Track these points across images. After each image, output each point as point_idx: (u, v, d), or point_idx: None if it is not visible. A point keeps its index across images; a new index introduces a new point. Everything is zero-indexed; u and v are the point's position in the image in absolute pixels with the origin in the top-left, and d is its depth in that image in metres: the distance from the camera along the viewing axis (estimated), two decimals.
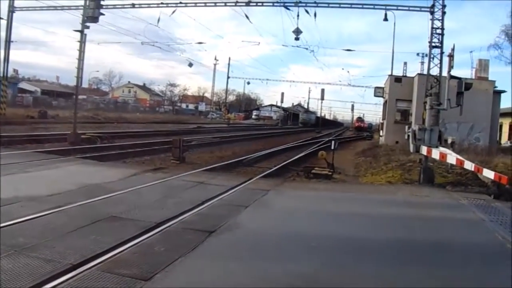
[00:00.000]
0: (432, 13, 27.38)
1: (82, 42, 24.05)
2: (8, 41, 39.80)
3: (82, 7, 26.26)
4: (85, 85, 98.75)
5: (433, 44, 27.29)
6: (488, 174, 13.05)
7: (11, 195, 9.22)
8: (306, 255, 7.03)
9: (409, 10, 30.62)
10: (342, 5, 32.16)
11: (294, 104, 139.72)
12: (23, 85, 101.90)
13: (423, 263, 6.95)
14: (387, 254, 7.42)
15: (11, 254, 5.88)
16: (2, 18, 39.86)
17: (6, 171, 12.51)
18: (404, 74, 50.09)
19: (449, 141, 18.08)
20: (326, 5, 32.39)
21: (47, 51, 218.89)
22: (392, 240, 8.26)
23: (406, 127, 18.28)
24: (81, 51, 23.92)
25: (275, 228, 8.80)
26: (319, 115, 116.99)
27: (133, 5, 34.16)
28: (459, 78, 17.36)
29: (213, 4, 34.44)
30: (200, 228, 7.89)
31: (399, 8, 31.01)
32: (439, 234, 9.00)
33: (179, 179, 13.48)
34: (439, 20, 27.20)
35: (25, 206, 8.46)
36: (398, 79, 38.94)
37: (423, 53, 50.25)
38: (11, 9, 39.33)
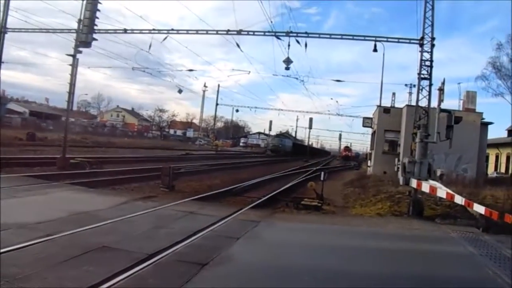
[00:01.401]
0: (421, 45, 27.54)
1: (74, 66, 24.06)
2: None
3: (75, 31, 26.31)
4: (73, 107, 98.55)
5: (422, 76, 27.40)
6: (479, 209, 13.08)
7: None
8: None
9: (398, 42, 30.77)
10: (332, 36, 32.41)
11: (282, 132, 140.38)
12: (11, 105, 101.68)
13: None
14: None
15: (2, 284, 5.81)
16: None
17: None
18: (393, 105, 50.35)
19: (438, 173, 18.15)
20: (317, 35, 32.64)
21: (36, 72, 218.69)
22: (384, 274, 8.25)
23: (396, 159, 18.40)
24: (73, 75, 23.96)
25: (267, 261, 8.75)
26: (297, 140, 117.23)
27: (125, 30, 34.20)
28: (449, 112, 17.52)
29: (204, 32, 34.54)
30: (192, 260, 7.85)
31: (389, 40, 31.27)
32: (430, 268, 9.01)
33: (169, 209, 13.41)
34: (428, 52, 27.41)
35: (15, 234, 8.37)
36: (386, 110, 39.15)
37: (411, 84, 50.60)
38: (3, 30, 39.34)
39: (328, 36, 32.29)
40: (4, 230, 8.52)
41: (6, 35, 34.94)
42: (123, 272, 6.76)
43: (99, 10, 24.96)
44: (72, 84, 24.03)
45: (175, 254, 8.27)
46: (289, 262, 8.78)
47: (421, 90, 27.67)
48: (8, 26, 35.32)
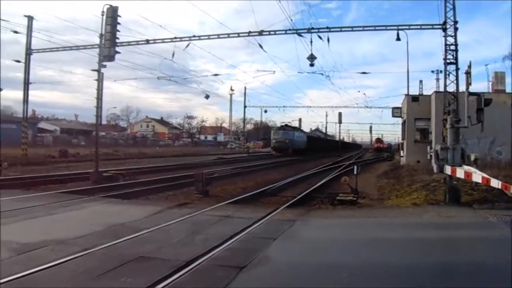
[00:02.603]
0: (444, 30, 27.30)
1: (100, 80, 24.27)
2: (26, 83, 40.31)
3: (97, 46, 26.60)
4: (103, 121, 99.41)
5: (448, 61, 27.17)
6: None
7: (39, 239, 9.23)
8: (338, 286, 6.92)
9: (421, 28, 30.59)
10: (354, 29, 32.26)
11: (312, 129, 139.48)
12: (42, 124, 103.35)
13: None
14: (422, 279, 7.26)
15: None
16: (20, 61, 40.47)
17: (32, 214, 12.59)
18: (421, 93, 49.86)
19: (472, 158, 17.90)
20: (339, 29, 32.53)
21: (64, 90, 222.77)
22: (423, 264, 8.09)
23: (428, 147, 18.13)
24: (99, 89, 24.15)
25: (305, 259, 8.67)
26: (313, 134, 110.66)
27: (147, 41, 34.54)
28: (478, 94, 17.23)
29: (226, 36, 34.75)
30: (230, 264, 7.80)
31: (411, 27, 30.99)
32: (472, 255, 8.82)
33: (204, 214, 13.41)
34: (452, 36, 27.12)
35: (54, 250, 8.43)
36: (415, 98, 38.75)
37: (438, 70, 50.16)
38: (28, 52, 39.88)
39: (349, 29, 32.23)
40: (43, 247, 8.61)
41: (31, 56, 35.50)
42: (162, 281, 6.72)
43: (119, 23, 25.23)
44: (99, 98, 24.24)
45: (213, 259, 8.22)
46: (326, 258, 8.69)
47: (448, 75, 27.41)
48: (32, 47, 35.91)
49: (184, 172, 28.07)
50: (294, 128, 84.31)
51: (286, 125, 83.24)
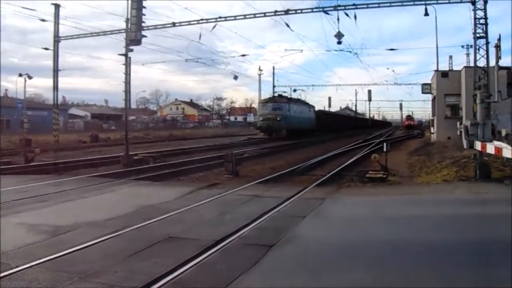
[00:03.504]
0: (473, 3, 26.83)
1: (127, 65, 24.40)
2: (56, 70, 40.70)
3: (124, 31, 26.73)
4: (133, 105, 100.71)
5: (478, 35, 26.71)
6: None
7: (70, 221, 9.41)
8: (368, 263, 6.89)
9: (449, 3, 30.14)
10: (381, 5, 31.87)
11: (342, 107, 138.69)
12: (73, 110, 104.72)
13: (495, 265, 6.68)
14: (454, 256, 7.19)
15: (75, 281, 5.94)
16: (48, 49, 40.86)
17: (64, 197, 12.80)
18: (451, 68, 49.20)
19: (503, 133, 17.66)
20: (365, 6, 32.19)
21: (93, 76, 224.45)
22: (456, 241, 8.00)
23: (458, 123, 17.96)
24: (127, 73, 24.28)
25: (334, 237, 8.66)
26: (323, 109, 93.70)
27: (173, 24, 34.53)
28: (508, 68, 16.96)
29: (252, 16, 34.57)
30: (259, 243, 7.84)
31: (439, 1, 30.51)
32: (504, 232, 8.64)
33: (234, 194, 13.48)
34: (481, 10, 26.65)
35: (85, 232, 8.55)
36: (445, 74, 38.21)
37: (468, 45, 49.32)
38: (56, 39, 40.20)
39: (376, 5, 31.81)
40: (74, 230, 8.78)
41: (60, 43, 35.82)
42: (191, 260, 6.78)
43: (144, 7, 25.28)
44: (128, 82, 24.39)
45: (242, 238, 8.26)
46: (356, 236, 8.66)
47: (478, 49, 26.95)
48: (60, 34, 36.20)
49: (214, 153, 28.13)
50: (290, 100, 62.42)
51: (279, 95, 63.14)
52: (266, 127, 57.34)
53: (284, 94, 64.87)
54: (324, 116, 79.71)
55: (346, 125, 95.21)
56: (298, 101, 67.95)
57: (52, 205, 11.76)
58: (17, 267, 6.45)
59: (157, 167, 21.93)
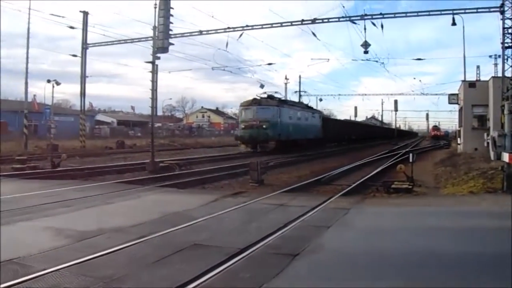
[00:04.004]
0: (502, 12, 26.62)
1: (154, 72, 24.56)
2: (83, 77, 41.18)
3: (151, 39, 26.95)
4: (159, 113, 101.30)
5: (506, 45, 26.50)
6: None
7: (96, 227, 9.47)
8: (393, 274, 6.83)
9: (477, 12, 29.96)
10: (408, 14, 31.81)
11: (368, 117, 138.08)
12: (99, 117, 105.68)
13: None
14: (479, 269, 7.09)
15: (100, 286, 5.96)
16: (76, 55, 41.35)
17: (89, 203, 12.89)
18: (478, 78, 48.69)
19: None
20: (392, 15, 32.17)
21: (120, 82, 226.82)
22: (482, 254, 7.90)
23: (485, 134, 17.78)
24: (154, 81, 24.42)
25: (359, 247, 8.58)
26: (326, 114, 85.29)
27: (200, 32, 34.76)
28: None
29: (279, 25, 34.73)
30: (283, 252, 7.80)
31: (467, 11, 30.34)
32: None
33: (259, 203, 13.44)
34: (510, 19, 26.41)
35: (110, 238, 8.60)
36: (472, 84, 37.79)
37: (496, 55, 48.88)
38: (84, 46, 40.66)
39: (403, 15, 31.78)
40: (100, 235, 8.83)
41: (87, 50, 36.25)
42: (215, 267, 6.77)
43: (172, 15, 25.46)
44: (154, 90, 24.54)
45: (267, 246, 8.23)
46: (381, 247, 8.56)
47: (507, 59, 26.70)
48: (88, 41, 36.64)
49: (239, 161, 28.16)
50: (283, 102, 49.06)
51: (269, 96, 47.84)
52: (248, 138, 43.95)
53: (276, 95, 49.39)
54: (336, 125, 71.00)
55: (371, 135, 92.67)
56: (296, 104, 55.57)
57: (78, 210, 11.86)
58: (43, 270, 6.49)
59: (183, 174, 22.01)
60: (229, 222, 10.70)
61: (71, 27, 38.67)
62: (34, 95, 54.18)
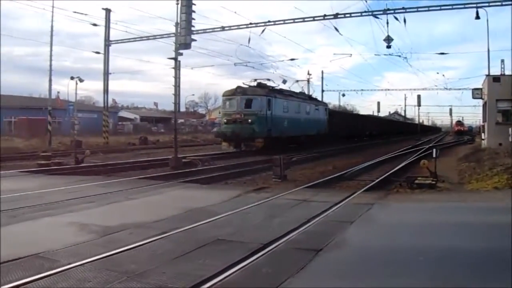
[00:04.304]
0: None
1: (177, 68, 24.62)
2: (106, 73, 41.43)
3: (173, 35, 27.00)
4: (182, 109, 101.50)
5: None
6: None
7: (119, 222, 9.53)
8: (416, 269, 6.76)
9: (502, 5, 29.67)
10: (431, 8, 31.56)
11: (391, 112, 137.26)
12: (122, 113, 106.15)
13: None
14: (502, 265, 6.99)
15: (123, 280, 6.00)
16: (99, 52, 41.64)
17: (112, 199, 13.01)
18: (503, 73, 48.07)
19: None
20: (415, 9, 31.90)
21: (143, 79, 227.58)
22: (506, 250, 7.77)
23: (510, 129, 17.55)
24: (177, 77, 24.48)
25: (382, 243, 8.51)
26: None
27: (223, 28, 34.77)
28: None
29: (301, 20, 34.62)
30: (307, 247, 7.77)
31: (491, 4, 30.04)
32: None
33: (282, 198, 13.42)
34: None
35: (133, 233, 8.64)
36: (496, 79, 37.24)
37: None
38: (107, 43, 40.90)
39: (426, 9, 31.51)
40: (122, 231, 8.90)
41: (110, 47, 36.45)
42: (238, 263, 6.77)
43: (194, 11, 25.44)
44: (177, 86, 24.60)
45: (290, 242, 8.20)
46: (404, 242, 8.50)
47: None
48: (111, 38, 36.87)
49: (262, 157, 28.08)
50: (274, 91, 40.69)
51: (259, 84, 40.00)
52: (230, 135, 36.76)
53: (267, 83, 40.98)
54: (347, 119, 63.92)
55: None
56: (294, 95, 45.72)
57: (101, 205, 11.97)
58: (68, 264, 6.57)
59: (205, 170, 22.01)
60: (252, 218, 10.68)
61: (94, 25, 39.07)
62: (58, 92, 54.54)
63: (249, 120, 35.90)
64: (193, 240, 8.10)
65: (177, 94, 24.74)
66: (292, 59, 54.88)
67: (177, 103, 25.18)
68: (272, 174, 19.22)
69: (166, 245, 7.86)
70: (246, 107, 36.67)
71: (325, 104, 56.51)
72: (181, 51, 25.42)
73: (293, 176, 19.60)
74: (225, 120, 37.94)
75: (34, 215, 10.47)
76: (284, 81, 54.83)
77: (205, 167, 23.20)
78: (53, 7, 39.55)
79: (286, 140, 39.45)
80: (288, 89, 46.64)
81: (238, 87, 37.80)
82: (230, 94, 38.06)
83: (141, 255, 7.28)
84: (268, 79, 41.00)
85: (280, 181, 18.10)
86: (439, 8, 31.15)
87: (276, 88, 41.82)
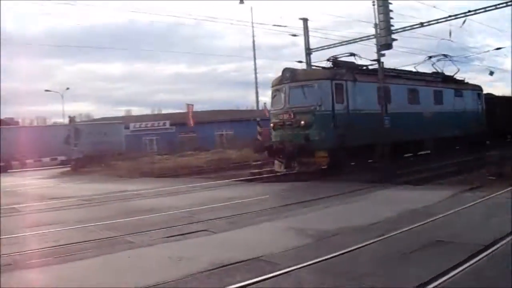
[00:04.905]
0: None
1: (380, 69, 24.61)
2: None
3: (373, 36, 26.97)
4: None
5: None
6: None
7: (334, 226, 9.77)
8: None
9: None
10: None
11: None
12: None
13: None
14: None
15: (341, 282, 6.14)
16: (302, 62, 42.83)
17: (326, 203, 13.44)
18: None
19: None
20: None
21: None
22: None
23: None
24: (381, 79, 24.37)
25: None
26: None
27: (421, 24, 33.91)
28: None
29: (503, 5, 32.64)
30: None
31: None
32: None
33: (499, 197, 12.79)
34: None
35: (349, 236, 8.84)
36: None
37: None
38: (307, 51, 41.82)
39: None
40: (338, 234, 9.11)
41: (311, 55, 37.27)
42: (459, 265, 6.58)
43: (391, 11, 25.21)
44: (381, 88, 24.53)
45: (510, 244, 7.75)
46: None
47: None
48: (310, 46, 37.73)
49: (472, 155, 26.90)
50: (354, 71, 24.38)
51: (334, 61, 25.34)
52: (275, 148, 22.53)
53: (349, 59, 26.08)
54: None
55: None
56: (402, 74, 29.15)
57: (316, 210, 12.43)
58: (288, 267, 6.80)
59: (411, 172, 21.50)
60: (470, 218, 10.37)
61: (294, 35, 40.09)
62: (265, 103, 56.45)
63: (302, 122, 21.70)
64: (411, 242, 8.07)
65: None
66: (497, 48, 51.72)
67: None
68: (486, 171, 18.36)
69: (383, 247, 7.93)
70: (296, 102, 22.41)
71: (478, 88, 36.34)
72: (383, 51, 25.34)
73: (510, 174, 18.56)
74: (272, 125, 24.14)
75: (255, 220, 11.20)
76: (491, 73, 51.79)
77: (410, 170, 22.55)
78: (252, 22, 41.45)
79: (394, 147, 24.56)
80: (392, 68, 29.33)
81: (286, 69, 23.44)
82: (277, 84, 23.80)
83: (358, 257, 7.40)
84: (353, 54, 26.19)
85: (495, 179, 17.25)
86: None
87: (359, 66, 26.32)
